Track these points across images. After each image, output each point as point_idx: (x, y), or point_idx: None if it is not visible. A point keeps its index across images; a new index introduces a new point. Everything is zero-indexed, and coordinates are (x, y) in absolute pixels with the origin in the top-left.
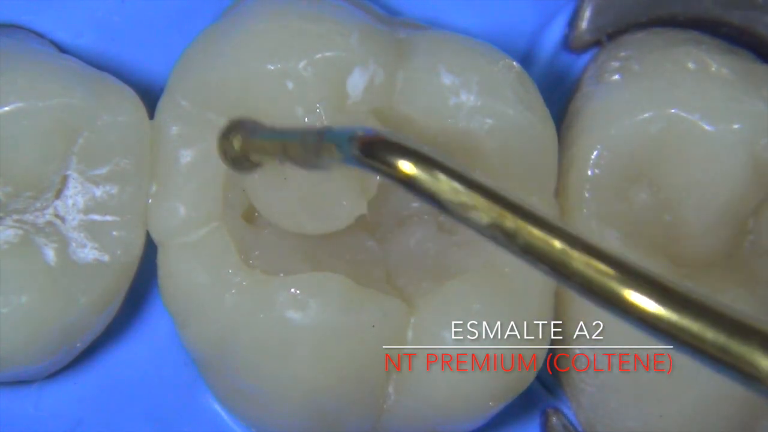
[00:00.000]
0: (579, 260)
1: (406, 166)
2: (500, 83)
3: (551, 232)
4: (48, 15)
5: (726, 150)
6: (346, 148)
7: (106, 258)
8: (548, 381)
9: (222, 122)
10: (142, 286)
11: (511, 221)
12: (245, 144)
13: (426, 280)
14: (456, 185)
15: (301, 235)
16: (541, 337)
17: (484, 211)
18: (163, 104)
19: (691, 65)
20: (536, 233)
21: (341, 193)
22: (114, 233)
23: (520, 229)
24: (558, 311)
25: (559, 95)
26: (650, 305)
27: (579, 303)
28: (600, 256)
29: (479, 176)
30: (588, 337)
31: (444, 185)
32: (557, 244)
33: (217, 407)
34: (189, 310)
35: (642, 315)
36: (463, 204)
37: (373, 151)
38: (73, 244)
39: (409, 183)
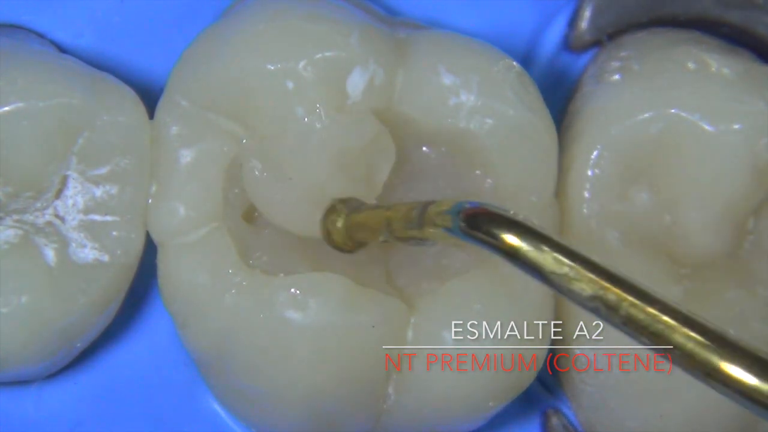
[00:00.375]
0: (680, 333)
1: (511, 239)
2: (500, 83)
3: (652, 304)
4: (48, 15)
5: (726, 150)
6: (450, 222)
7: (106, 258)
8: (548, 381)
9: (222, 122)
10: (142, 286)
11: (612, 294)
12: (348, 222)
13: (426, 281)
14: (559, 257)
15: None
16: (541, 337)
17: (587, 284)
18: (162, 104)
19: (691, 65)
20: (637, 305)
21: (348, 192)
22: (114, 233)
23: (622, 302)
24: (558, 311)
25: (559, 95)
26: (749, 378)
27: None
28: (700, 329)
29: (581, 249)
30: (588, 338)
31: (548, 257)
32: (658, 317)
33: (217, 407)
34: (189, 310)
35: (741, 388)
36: (566, 276)
37: (478, 223)
38: (73, 245)
39: (513, 255)
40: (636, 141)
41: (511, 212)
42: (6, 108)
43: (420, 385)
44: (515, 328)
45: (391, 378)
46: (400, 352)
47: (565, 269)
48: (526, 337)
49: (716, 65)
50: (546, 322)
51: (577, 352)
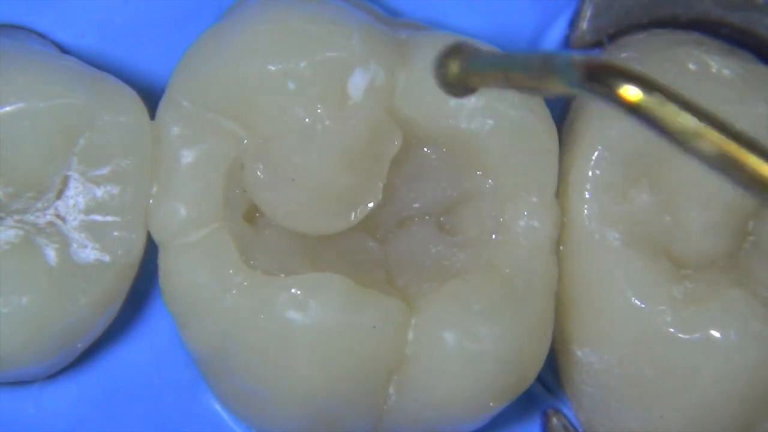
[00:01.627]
0: None
1: (631, 92)
2: None
3: None
4: (49, 15)
5: None
6: (570, 74)
7: (107, 258)
8: (549, 381)
9: (223, 123)
10: (143, 286)
11: (738, 152)
12: (465, 69)
13: (426, 281)
14: (684, 113)
15: (302, 235)
16: (541, 337)
17: (712, 141)
18: (164, 105)
19: (691, 66)
20: (763, 165)
21: (350, 191)
22: (115, 234)
23: (747, 160)
24: (558, 311)
25: (560, 97)
26: None
27: (580, 303)
28: None
29: (706, 106)
30: (588, 338)
31: (670, 111)
32: None
33: (218, 408)
34: (190, 310)
35: None
36: (690, 132)
37: (598, 76)
38: (74, 245)
39: (634, 109)
40: (636, 142)
41: (633, 67)
42: (7, 108)
43: (421, 385)
44: (515, 329)
45: (392, 378)
46: (400, 352)
47: (690, 125)
48: (526, 338)
49: (717, 66)
50: (546, 322)
51: (578, 353)
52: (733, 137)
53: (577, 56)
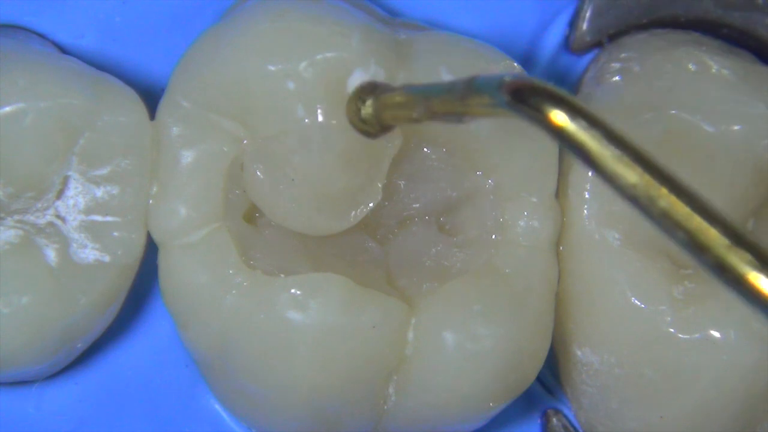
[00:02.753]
0: (718, 242)
1: (559, 117)
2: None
3: (692, 204)
4: (49, 16)
5: (726, 151)
6: (496, 95)
7: (107, 258)
8: (548, 382)
9: (223, 123)
10: (143, 286)
11: (654, 186)
12: (380, 104)
13: (426, 281)
14: (606, 141)
15: (302, 235)
16: (541, 337)
17: (630, 170)
18: (164, 105)
19: (691, 66)
20: (678, 203)
21: (350, 191)
22: (115, 234)
23: (663, 197)
24: (558, 311)
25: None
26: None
27: (580, 303)
28: (735, 235)
29: (627, 134)
30: (588, 338)
31: (595, 139)
32: (695, 219)
33: (218, 408)
34: (190, 310)
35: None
36: (611, 160)
37: (524, 96)
38: (74, 245)
39: (559, 133)
40: (636, 142)
41: (558, 88)
42: (7, 108)
43: (420, 385)
44: (515, 329)
45: (392, 378)
46: (400, 352)
47: (611, 153)
48: (526, 338)
49: (716, 66)
50: (546, 322)
51: (578, 353)
52: (649, 170)
53: (506, 76)
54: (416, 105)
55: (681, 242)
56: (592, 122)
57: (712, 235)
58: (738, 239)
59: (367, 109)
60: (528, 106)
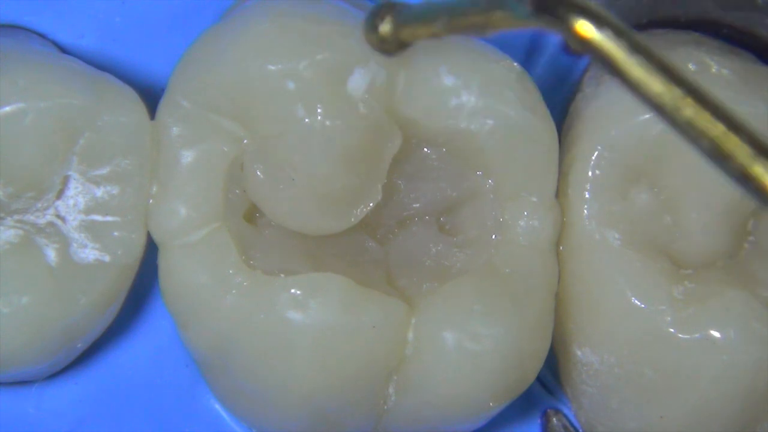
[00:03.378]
0: (741, 150)
1: (584, 26)
2: (501, 84)
3: (716, 113)
4: (49, 16)
5: None
6: (520, 6)
7: (107, 258)
8: (548, 382)
9: (223, 123)
10: (143, 286)
11: (679, 97)
12: (398, 20)
13: (427, 281)
14: (634, 55)
15: (302, 235)
16: (541, 337)
17: (656, 81)
18: (164, 105)
19: (691, 66)
20: (702, 111)
21: (351, 191)
22: (115, 234)
23: (688, 105)
24: (558, 311)
25: (560, 96)
26: None
27: (580, 303)
28: (760, 148)
29: (652, 45)
30: (588, 338)
31: (620, 51)
32: (719, 125)
33: (218, 407)
34: (190, 310)
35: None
36: (637, 71)
37: (548, 6)
38: (74, 245)
39: (583, 42)
40: (636, 142)
41: None
42: (7, 108)
43: (420, 385)
44: (515, 329)
45: (392, 378)
46: (400, 352)
47: (637, 62)
48: (526, 338)
49: (716, 66)
50: (546, 322)
51: (578, 353)
52: (674, 81)
53: None
54: (437, 19)
55: (705, 151)
56: (618, 32)
57: (736, 143)
58: (762, 148)
59: (386, 26)
60: (553, 16)
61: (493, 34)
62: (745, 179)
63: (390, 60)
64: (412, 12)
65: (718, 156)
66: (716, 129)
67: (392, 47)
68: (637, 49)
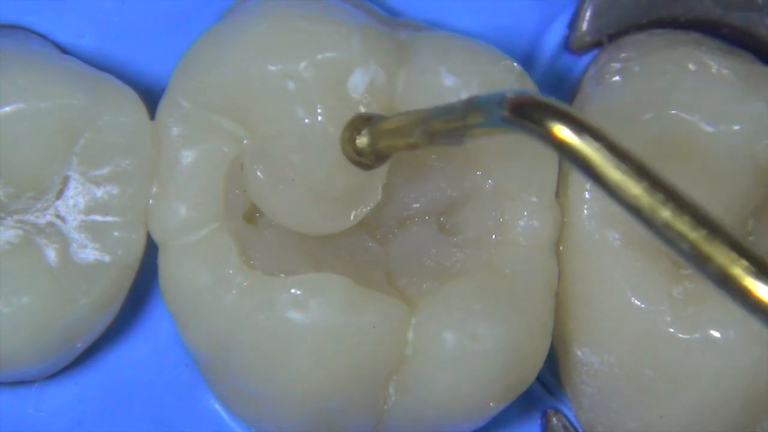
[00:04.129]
0: (720, 253)
1: (561, 131)
2: (501, 84)
3: (694, 215)
4: (49, 16)
5: (726, 151)
6: (497, 112)
7: (107, 258)
8: (548, 382)
9: (223, 123)
10: (143, 286)
11: (657, 197)
12: (376, 132)
13: (427, 281)
14: (611, 161)
15: (302, 235)
16: (541, 337)
17: (634, 183)
18: (163, 105)
19: (691, 66)
20: (680, 214)
21: (350, 191)
22: (115, 234)
23: (665, 208)
24: (558, 311)
25: (560, 96)
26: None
27: (580, 303)
28: (739, 249)
29: (629, 146)
30: (588, 338)
31: (599, 156)
32: (698, 231)
33: (218, 408)
34: (190, 310)
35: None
36: (614, 175)
37: (526, 112)
38: (74, 245)
39: (561, 146)
40: (637, 142)
41: (559, 102)
42: (7, 108)
43: (420, 385)
44: (515, 329)
45: (392, 378)
46: (400, 352)
47: (614, 165)
48: (526, 338)
49: (716, 66)
50: (546, 322)
51: (578, 353)
52: (653, 184)
53: (506, 93)
54: (414, 129)
55: (684, 253)
56: (595, 136)
57: (715, 246)
58: (740, 250)
59: (363, 139)
60: (530, 121)
61: (471, 141)
62: (724, 281)
63: (390, 61)
64: (388, 123)
65: (697, 258)
66: (695, 233)
67: (370, 160)
68: (613, 152)
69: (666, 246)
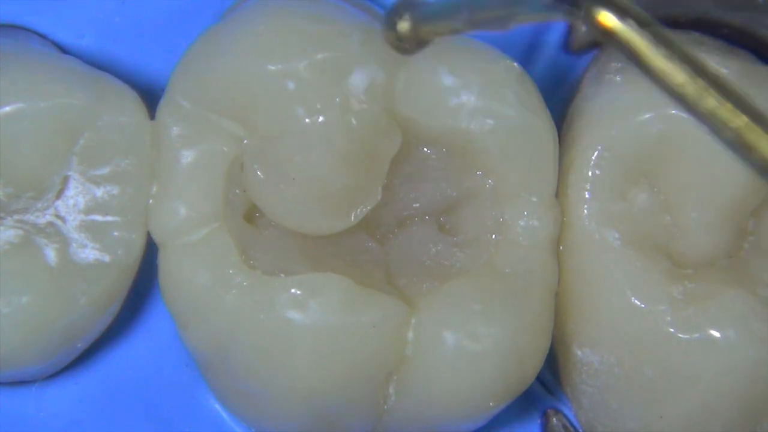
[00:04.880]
0: (759, 134)
1: (607, 17)
2: (501, 84)
3: (739, 103)
4: (49, 16)
5: (726, 151)
6: None
7: (106, 258)
8: (548, 381)
9: (223, 123)
10: (143, 286)
11: (702, 88)
12: (417, 18)
13: (426, 281)
14: (654, 41)
15: (302, 235)
16: (541, 337)
17: (679, 71)
18: (163, 105)
19: None
20: (725, 102)
21: (351, 191)
22: (115, 234)
23: (709, 97)
24: (558, 311)
25: (560, 96)
26: None
27: (579, 303)
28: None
29: (675, 36)
30: (588, 338)
31: (643, 40)
32: (742, 116)
33: (218, 407)
34: (190, 310)
35: None
36: (659, 60)
37: None
38: (74, 245)
39: (606, 33)
40: (636, 142)
41: None
42: (7, 108)
43: (420, 385)
44: (515, 329)
45: (392, 378)
46: (400, 352)
47: (660, 53)
48: (526, 338)
49: (716, 66)
50: (546, 321)
51: (578, 352)
52: (696, 72)
53: None
54: (458, 14)
55: (727, 142)
56: (641, 22)
57: (759, 134)
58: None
59: (404, 24)
60: (574, 6)
61: (515, 27)
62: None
63: (390, 61)
64: (431, 9)
65: (742, 147)
66: (739, 120)
67: (411, 45)
68: (660, 39)
69: (710, 133)
